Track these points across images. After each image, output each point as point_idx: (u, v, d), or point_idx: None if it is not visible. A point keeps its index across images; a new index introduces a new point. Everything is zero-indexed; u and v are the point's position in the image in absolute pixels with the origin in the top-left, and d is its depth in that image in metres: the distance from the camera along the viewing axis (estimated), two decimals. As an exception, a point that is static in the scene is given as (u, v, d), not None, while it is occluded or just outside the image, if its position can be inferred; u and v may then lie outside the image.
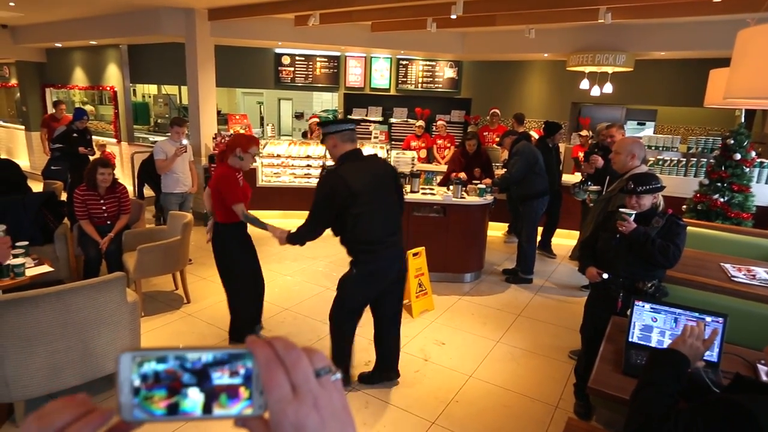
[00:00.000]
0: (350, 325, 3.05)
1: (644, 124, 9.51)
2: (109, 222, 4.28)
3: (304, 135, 7.84)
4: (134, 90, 10.45)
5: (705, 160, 5.84)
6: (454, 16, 5.00)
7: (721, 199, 4.94)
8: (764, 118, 6.72)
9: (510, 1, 5.04)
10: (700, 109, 7.67)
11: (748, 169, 4.99)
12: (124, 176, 8.35)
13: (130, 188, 5.62)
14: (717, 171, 5.02)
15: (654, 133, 8.64)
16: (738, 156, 4.92)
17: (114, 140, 9.25)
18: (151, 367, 0.43)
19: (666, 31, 6.25)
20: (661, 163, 6.09)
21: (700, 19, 5.68)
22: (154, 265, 4.05)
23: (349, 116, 9.25)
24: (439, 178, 6.73)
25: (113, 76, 9.15)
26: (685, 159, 6.07)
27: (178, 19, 6.53)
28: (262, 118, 12.39)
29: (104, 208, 4.24)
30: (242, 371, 0.44)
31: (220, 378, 0.44)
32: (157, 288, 4.62)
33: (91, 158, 6.16)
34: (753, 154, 5.05)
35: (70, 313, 2.68)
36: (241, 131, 7.19)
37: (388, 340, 3.21)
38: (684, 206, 5.23)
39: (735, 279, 3.06)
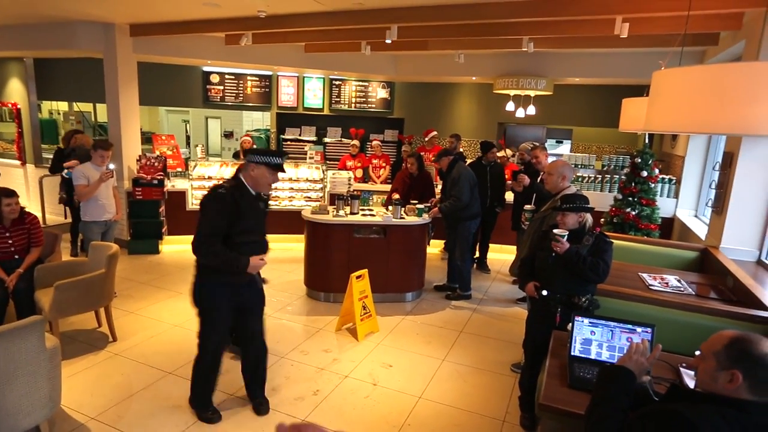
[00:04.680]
0: None
1: (562, 142, 10.29)
2: (17, 256, 3.84)
3: (236, 156, 7.58)
4: (39, 105, 9.55)
5: (617, 176, 6.43)
6: (389, 41, 5.13)
7: (633, 212, 5.43)
8: (662, 138, 7.53)
9: (441, 28, 5.27)
10: (609, 129, 8.47)
11: (653, 185, 5.55)
12: (31, 202, 7.57)
13: (38, 215, 5.11)
14: (628, 187, 5.52)
15: (570, 150, 9.37)
16: (644, 173, 5.44)
17: (17, 162, 8.37)
18: None
19: (580, 60, 6.88)
20: (580, 179, 6.60)
21: (610, 50, 6.35)
22: (74, 302, 3.67)
23: (282, 136, 9.11)
24: (375, 197, 6.80)
25: (16, 91, 8.33)
26: (600, 176, 6.64)
27: (96, 33, 6.09)
28: (188, 137, 11.85)
29: (11, 242, 3.80)
30: None
31: None
32: (76, 326, 4.19)
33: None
34: (656, 171, 5.63)
35: (-24, 367, 2.35)
36: (168, 152, 6.81)
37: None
38: (602, 219, 5.69)
39: (652, 287, 3.37)
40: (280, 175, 2.92)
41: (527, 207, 4.34)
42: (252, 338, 3.10)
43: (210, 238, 2.71)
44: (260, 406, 3.14)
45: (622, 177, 5.81)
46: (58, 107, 10.66)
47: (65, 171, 5.01)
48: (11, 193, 3.78)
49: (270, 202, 3.30)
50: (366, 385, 3.53)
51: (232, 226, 2.75)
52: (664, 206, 5.82)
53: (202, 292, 2.87)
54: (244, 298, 2.97)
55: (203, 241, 2.72)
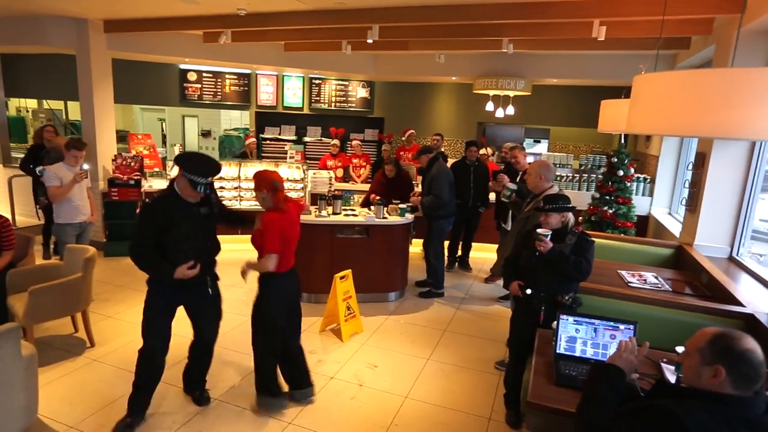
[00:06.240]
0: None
1: (539, 141, 10.48)
2: (-12, 261, 3.70)
3: (243, 156, 7.39)
4: (6, 103, 9.21)
5: (594, 175, 6.57)
6: (370, 41, 5.12)
7: (610, 211, 5.57)
8: (636, 138, 7.74)
9: (423, 29, 5.29)
10: (585, 129, 8.66)
11: (629, 184, 5.69)
12: (-1, 203, 7.28)
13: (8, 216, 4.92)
14: (605, 186, 5.65)
15: (548, 149, 9.54)
16: (621, 172, 5.59)
17: (-16, 162, 8.03)
18: None
19: (559, 61, 7.01)
20: (558, 178, 6.72)
21: (587, 52, 6.49)
22: (49, 307, 3.56)
23: (261, 135, 9.00)
24: (356, 197, 6.78)
25: (-19, 88, 7.99)
26: (578, 175, 6.78)
27: (68, 29, 5.90)
28: (164, 136, 11.59)
29: (-19, 245, 3.66)
30: None
31: None
32: (52, 332, 4.06)
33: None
34: (632, 170, 5.78)
35: (-52, 378, 2.25)
36: (145, 152, 6.65)
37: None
38: (580, 218, 5.81)
39: (631, 284, 3.46)
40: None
41: (509, 185, 4.39)
42: (199, 342, 3.17)
43: (139, 248, 2.79)
44: (200, 398, 3.25)
45: (599, 176, 5.95)
46: (26, 104, 10.30)
47: (39, 168, 4.86)
48: (-19, 196, 3.64)
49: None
50: (352, 386, 3.53)
51: (164, 235, 2.76)
52: (640, 204, 5.99)
53: (148, 291, 2.95)
54: (185, 300, 3.01)
55: (132, 249, 2.80)
